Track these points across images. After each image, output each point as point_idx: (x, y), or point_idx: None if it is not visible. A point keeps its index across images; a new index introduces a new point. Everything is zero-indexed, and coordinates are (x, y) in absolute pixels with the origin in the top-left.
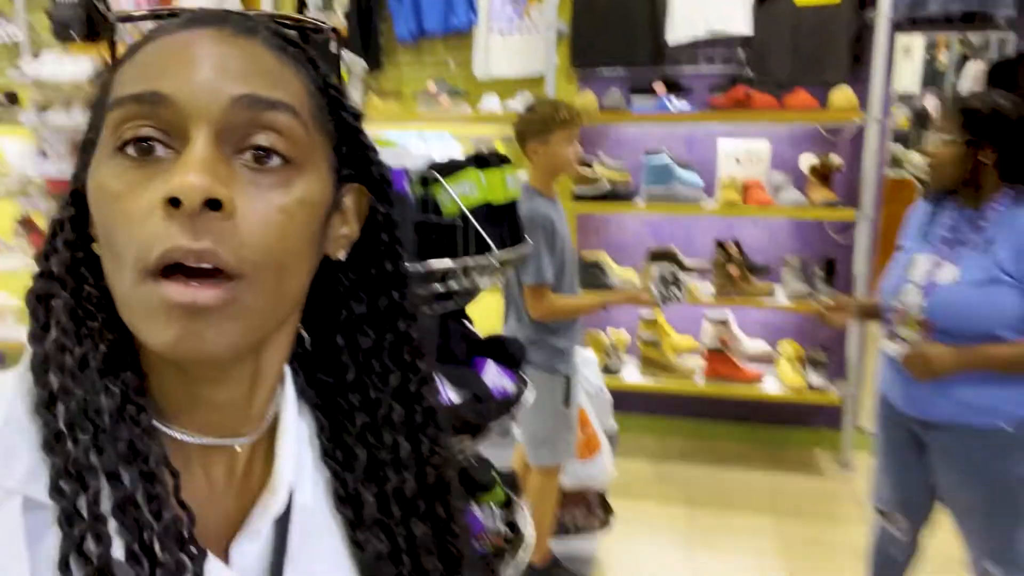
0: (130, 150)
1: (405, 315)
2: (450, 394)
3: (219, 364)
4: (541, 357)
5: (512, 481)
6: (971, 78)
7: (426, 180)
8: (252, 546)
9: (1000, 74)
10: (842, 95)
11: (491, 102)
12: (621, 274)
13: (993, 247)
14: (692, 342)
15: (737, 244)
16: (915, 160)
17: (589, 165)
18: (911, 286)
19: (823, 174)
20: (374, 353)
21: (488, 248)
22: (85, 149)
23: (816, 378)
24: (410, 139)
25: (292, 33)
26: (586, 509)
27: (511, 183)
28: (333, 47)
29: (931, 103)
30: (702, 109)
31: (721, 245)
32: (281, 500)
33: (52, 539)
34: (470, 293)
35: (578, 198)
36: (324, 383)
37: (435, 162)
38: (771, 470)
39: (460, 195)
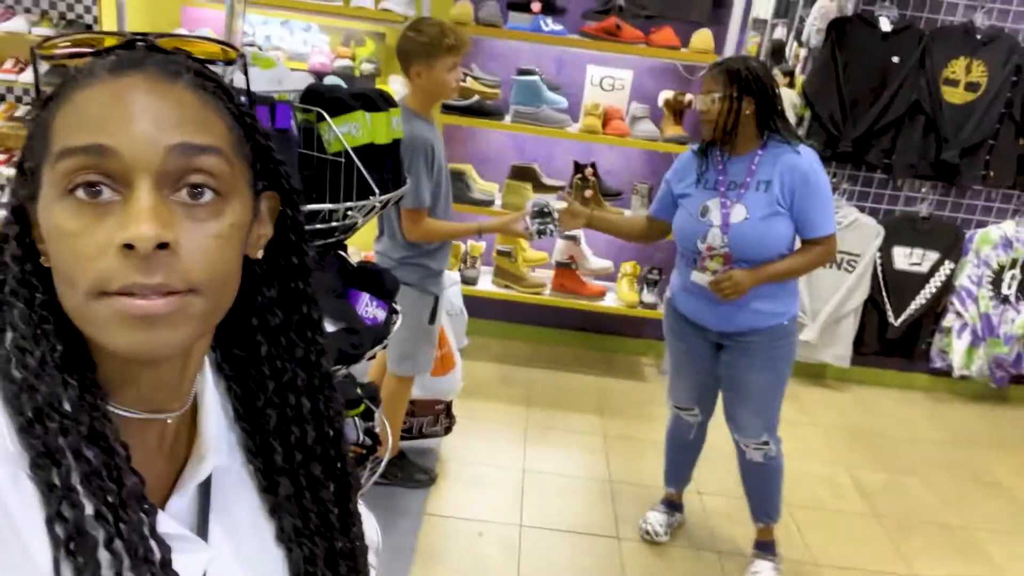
0: (80, 193)
1: (308, 299)
2: (327, 326)
3: (166, 359)
4: (413, 276)
5: (372, 393)
6: (817, 12)
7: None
8: (183, 502)
9: (837, 27)
10: (701, 38)
11: None
12: (484, 187)
13: (771, 186)
14: (543, 256)
15: (594, 167)
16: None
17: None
18: (714, 229)
19: (677, 110)
20: (282, 331)
21: (370, 187)
22: (24, 171)
23: (649, 296)
24: (275, 28)
25: (208, 71)
26: (433, 418)
27: (395, 125)
28: (240, 67)
29: (780, 32)
30: (574, 33)
31: (579, 168)
32: (208, 465)
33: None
34: (350, 229)
35: (448, 109)
36: (238, 357)
37: (323, 97)
38: (602, 375)
39: (345, 135)
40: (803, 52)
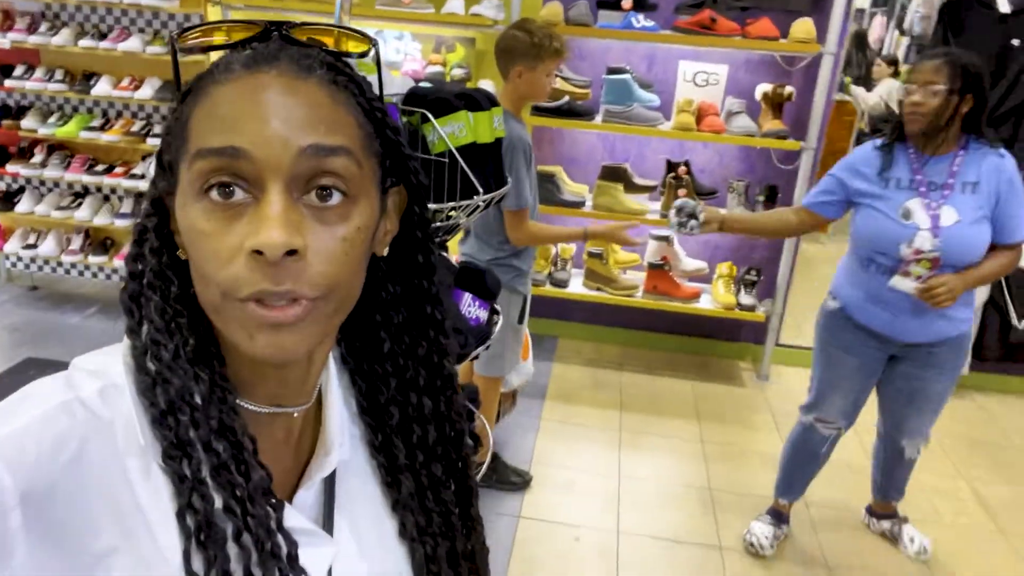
0: (214, 194)
1: (431, 298)
2: None
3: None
4: (504, 277)
5: (472, 394)
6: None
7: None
8: (308, 495)
9: (950, 12)
10: (802, 27)
11: (455, 3)
12: (574, 189)
13: (978, 188)
14: (635, 257)
15: (687, 166)
16: (857, 93)
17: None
18: (923, 232)
19: (776, 103)
20: (405, 329)
21: (473, 187)
22: (163, 165)
23: (746, 298)
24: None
25: (342, 65)
26: (509, 401)
27: (497, 124)
28: (372, 58)
29: (878, 22)
30: (667, 29)
31: (672, 167)
32: (334, 459)
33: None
34: (452, 230)
35: (538, 111)
36: (362, 352)
37: (426, 98)
38: (697, 379)
39: (449, 135)
40: (905, 40)
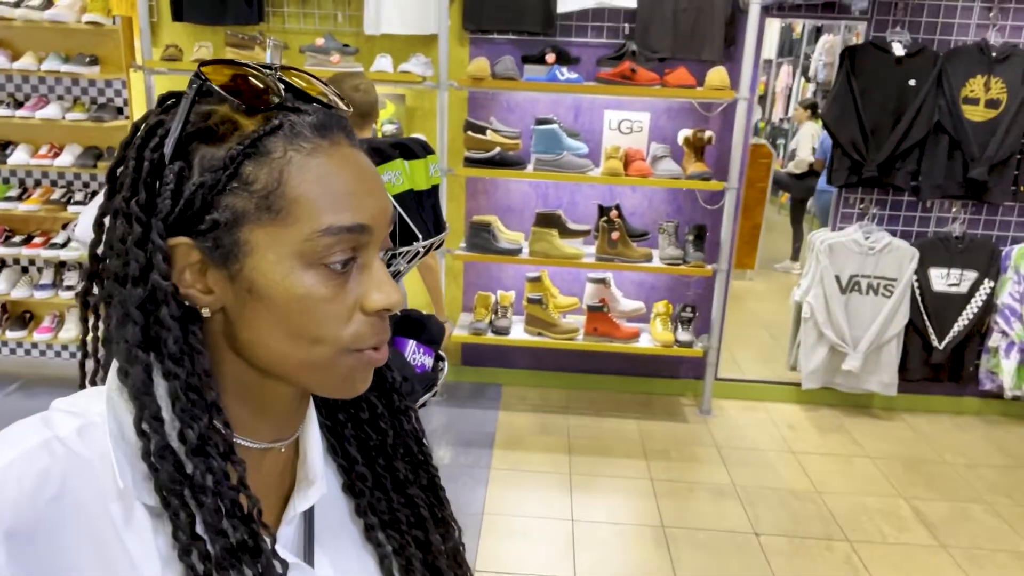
0: (335, 265)
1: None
2: None
3: None
4: None
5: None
6: (823, 47)
7: None
8: (290, 530)
9: (851, 57)
10: (717, 75)
11: (384, 62)
12: (510, 237)
13: None
14: (574, 301)
15: (618, 209)
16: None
17: (483, 130)
18: None
19: (697, 147)
20: None
21: (412, 233)
22: (207, 224)
23: (684, 334)
24: None
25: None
26: None
27: (432, 171)
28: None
29: (784, 71)
30: (590, 80)
31: (604, 211)
32: (317, 490)
33: (161, 535)
34: (396, 276)
35: (470, 162)
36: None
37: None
38: (642, 417)
39: (387, 184)
40: (811, 87)
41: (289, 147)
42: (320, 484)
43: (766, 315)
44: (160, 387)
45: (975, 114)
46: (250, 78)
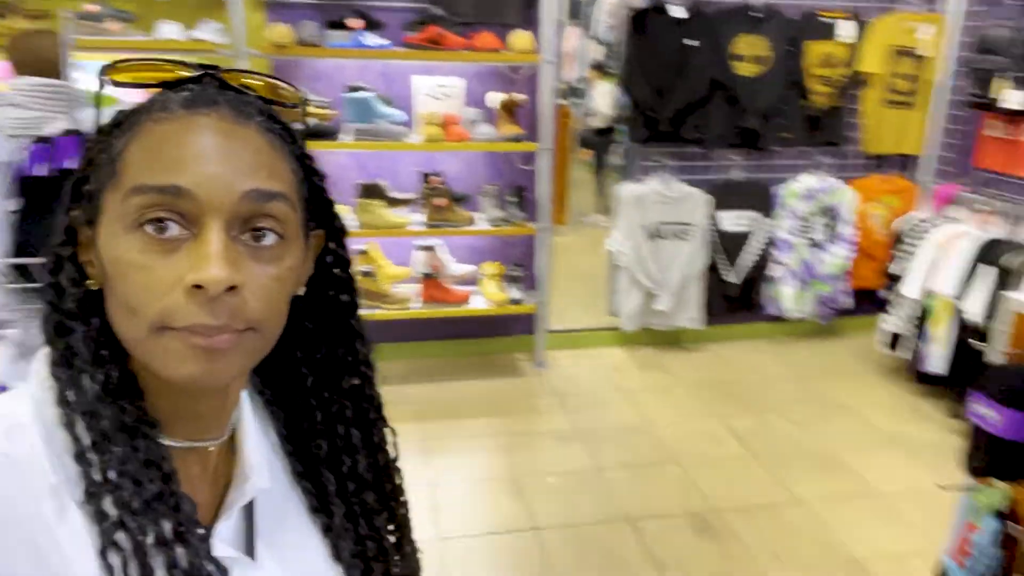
0: (149, 228)
1: (358, 334)
2: None
3: (217, 390)
4: None
5: None
6: (605, 11)
7: None
8: (228, 525)
9: (634, 20)
10: (520, 39)
11: (170, 30)
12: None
13: None
14: (405, 271)
15: (440, 176)
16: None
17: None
18: None
19: (510, 109)
20: (329, 363)
21: None
22: (84, 195)
23: (515, 292)
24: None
25: (277, 114)
26: None
27: None
28: (301, 113)
29: (573, 33)
30: (397, 45)
31: (427, 178)
32: (252, 487)
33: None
34: None
35: None
36: (282, 386)
37: None
38: (482, 378)
39: None
40: (599, 48)
41: (149, 118)
42: (256, 480)
43: (583, 267)
44: (85, 380)
45: (745, 69)
46: (148, 71)
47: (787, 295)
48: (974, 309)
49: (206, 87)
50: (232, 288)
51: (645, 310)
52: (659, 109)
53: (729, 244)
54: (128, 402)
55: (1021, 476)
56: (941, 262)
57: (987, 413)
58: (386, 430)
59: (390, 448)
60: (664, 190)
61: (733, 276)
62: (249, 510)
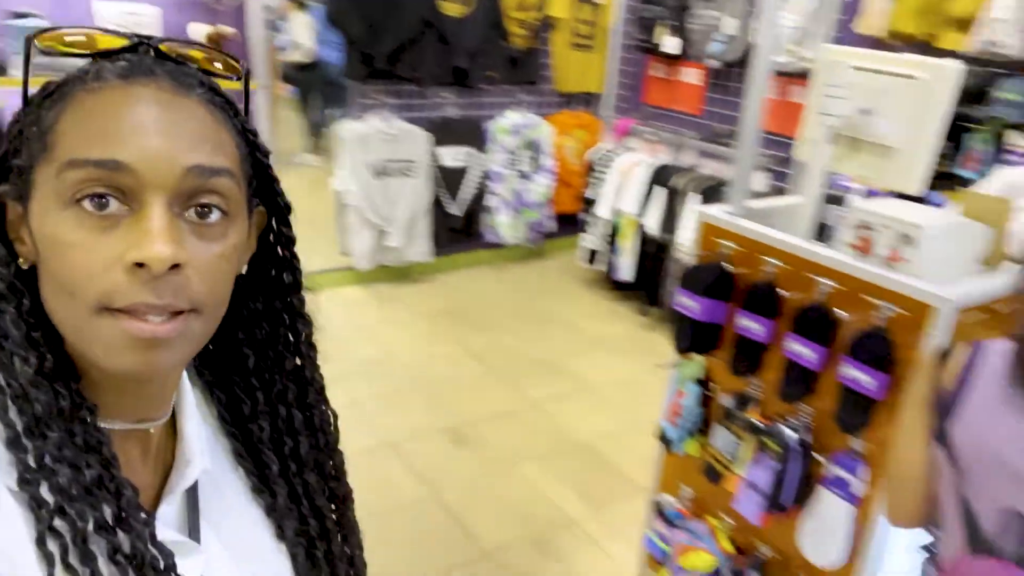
0: (86, 204)
1: (300, 314)
2: None
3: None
4: None
5: None
6: None
7: None
8: (171, 509)
9: None
10: None
11: None
12: None
13: None
14: None
15: None
16: None
17: None
18: None
19: (216, 41)
20: (270, 344)
21: None
22: (13, 169)
23: None
24: None
25: (218, 85)
26: None
27: None
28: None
29: None
30: None
31: None
32: (195, 469)
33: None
34: None
35: None
36: (222, 366)
37: None
38: None
39: None
40: None
41: (82, 89)
42: (197, 463)
43: (304, 209)
44: (17, 363)
45: (452, 10)
46: (93, 39)
47: (503, 223)
48: (652, 224)
49: (142, 57)
50: (176, 266)
51: (377, 247)
52: (374, 46)
53: (449, 179)
54: (63, 385)
55: (714, 349)
56: (624, 186)
57: (688, 303)
58: (327, 411)
59: (331, 430)
60: (386, 128)
61: (455, 208)
62: (192, 493)
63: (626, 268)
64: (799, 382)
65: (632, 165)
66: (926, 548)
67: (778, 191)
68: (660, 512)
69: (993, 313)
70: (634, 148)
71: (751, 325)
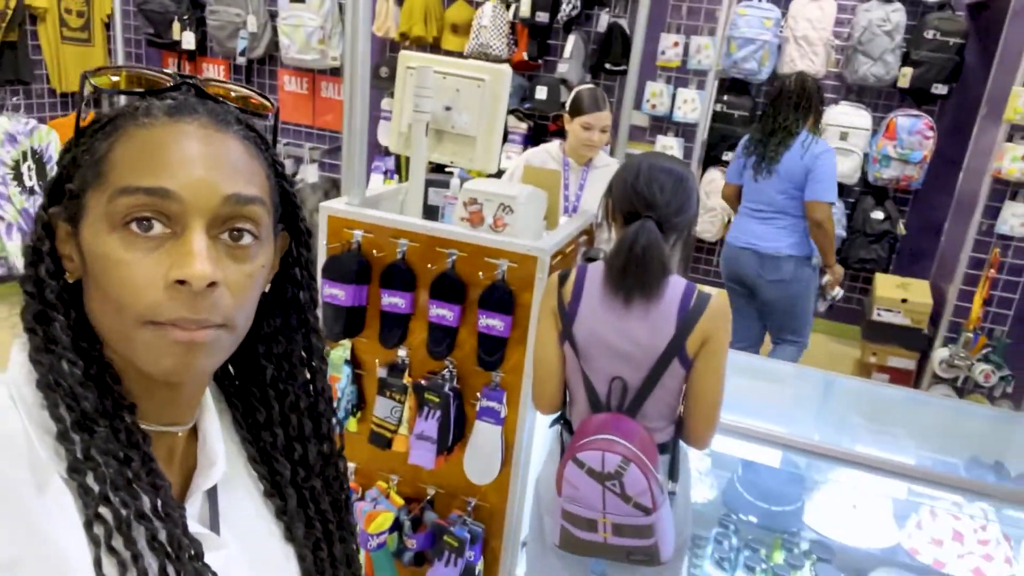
0: (134, 227)
1: (315, 330)
2: None
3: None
4: None
5: None
6: None
7: None
8: (193, 508)
9: None
10: None
11: None
12: None
13: None
14: None
15: None
16: None
17: None
18: None
19: None
20: (286, 357)
21: None
22: (63, 193)
23: None
24: None
25: (254, 122)
26: None
27: None
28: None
29: None
30: None
31: None
32: (217, 471)
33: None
34: None
35: None
36: (242, 377)
37: None
38: None
39: None
40: None
41: (133, 123)
42: (220, 464)
43: None
44: (65, 365)
45: None
46: (143, 78)
47: (13, 251)
48: None
49: (186, 95)
50: (212, 284)
51: None
52: None
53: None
54: (106, 387)
55: (359, 332)
56: None
57: (335, 292)
58: (333, 421)
59: (336, 438)
60: None
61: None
62: (212, 493)
63: None
64: (443, 340)
65: None
66: (556, 421)
67: (332, 182)
68: None
69: (564, 255)
70: None
71: (394, 300)
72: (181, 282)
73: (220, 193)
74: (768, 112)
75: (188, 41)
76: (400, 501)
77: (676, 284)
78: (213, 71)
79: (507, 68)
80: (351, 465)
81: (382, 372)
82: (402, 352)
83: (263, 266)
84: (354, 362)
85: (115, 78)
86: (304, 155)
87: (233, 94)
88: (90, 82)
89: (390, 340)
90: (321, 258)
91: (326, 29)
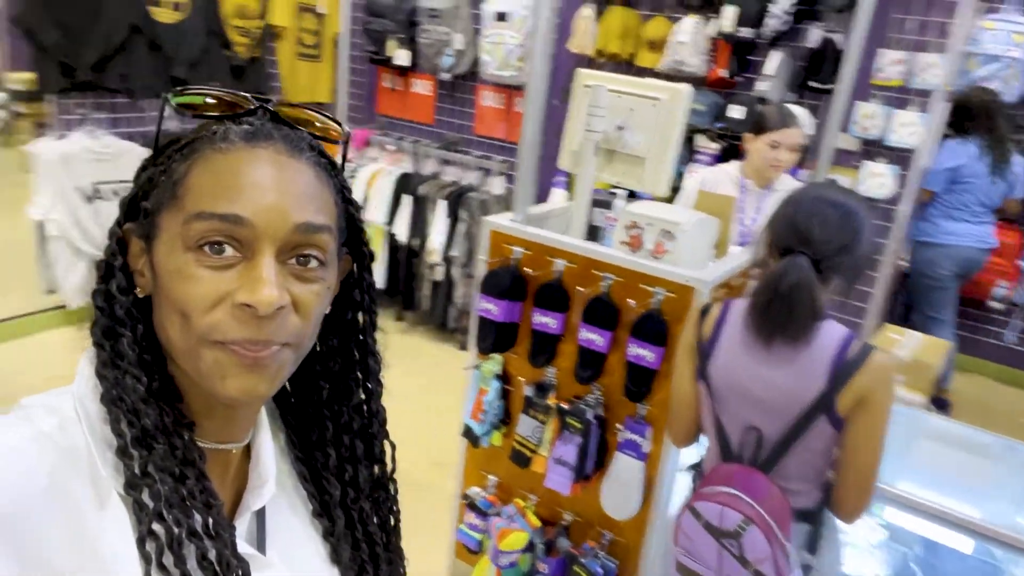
0: (206, 249)
1: (373, 352)
2: None
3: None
4: None
5: None
6: None
7: None
8: (242, 526)
9: None
10: None
11: None
12: None
13: None
14: None
15: None
16: None
17: None
18: None
19: None
20: (343, 378)
21: None
22: (139, 211)
23: None
24: None
25: (323, 147)
26: None
27: None
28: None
29: None
30: None
31: None
32: (268, 491)
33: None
34: None
35: None
36: (297, 396)
37: None
38: None
39: None
40: None
41: (211, 147)
42: (271, 484)
43: None
44: (130, 381)
45: (164, 16)
46: (222, 100)
47: None
48: (401, 232)
49: (262, 120)
50: (279, 308)
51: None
52: (74, 56)
53: None
54: (168, 404)
55: (510, 347)
56: (370, 197)
57: (488, 306)
58: (386, 443)
59: (388, 461)
60: (95, 146)
61: None
62: (261, 512)
63: (378, 276)
64: (591, 365)
65: (375, 175)
66: (692, 467)
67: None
68: (471, 504)
69: (729, 287)
70: (375, 158)
71: (546, 320)
72: (248, 305)
73: (291, 221)
74: (991, 120)
75: (401, 58)
76: (536, 522)
77: (832, 331)
78: (420, 85)
79: (686, 87)
80: (492, 478)
81: (529, 390)
82: (550, 372)
83: (328, 288)
84: (504, 377)
85: (196, 99)
86: (492, 167)
87: (308, 119)
88: (171, 103)
89: (539, 359)
90: (481, 272)
91: (527, 47)
